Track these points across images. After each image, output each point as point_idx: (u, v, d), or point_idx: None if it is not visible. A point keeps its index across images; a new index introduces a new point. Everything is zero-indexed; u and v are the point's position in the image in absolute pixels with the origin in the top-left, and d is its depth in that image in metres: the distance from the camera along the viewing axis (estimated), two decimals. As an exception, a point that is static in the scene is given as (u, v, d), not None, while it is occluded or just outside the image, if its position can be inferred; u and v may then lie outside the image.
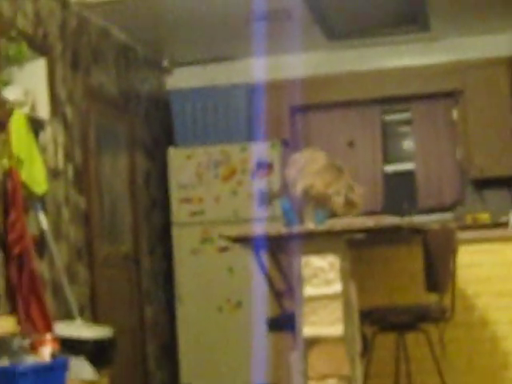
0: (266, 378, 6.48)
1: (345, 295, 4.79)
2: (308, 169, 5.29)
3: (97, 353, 6.05)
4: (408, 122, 9.24)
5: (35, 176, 6.19)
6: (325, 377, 4.77)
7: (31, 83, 6.53)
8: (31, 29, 6.49)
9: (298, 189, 5.24)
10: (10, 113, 5.98)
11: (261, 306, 7.06)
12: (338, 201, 5.19)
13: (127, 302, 7.88)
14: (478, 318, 5.98)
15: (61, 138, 6.87)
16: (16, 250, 5.84)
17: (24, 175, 6.02)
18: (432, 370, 5.60)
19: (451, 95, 9.00)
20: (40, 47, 6.62)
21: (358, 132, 9.18)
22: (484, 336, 5.97)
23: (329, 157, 5.44)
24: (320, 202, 5.18)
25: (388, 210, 8.67)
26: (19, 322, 5.46)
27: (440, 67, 8.90)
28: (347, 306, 4.79)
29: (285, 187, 5.27)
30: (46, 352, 5.22)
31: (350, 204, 5.18)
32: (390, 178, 9.21)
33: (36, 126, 6.44)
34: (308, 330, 4.80)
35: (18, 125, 6.04)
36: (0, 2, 6.03)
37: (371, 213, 7.83)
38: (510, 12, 7.86)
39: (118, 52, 8.14)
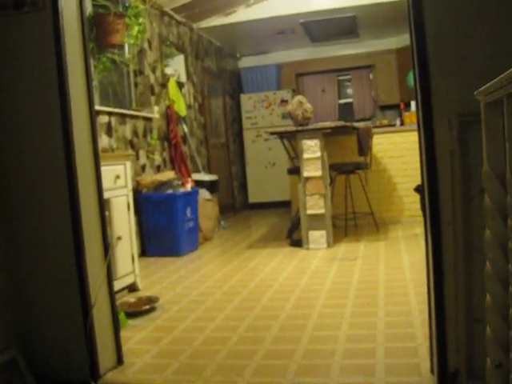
0: (288, 196, 6.42)
1: (322, 157, 4.65)
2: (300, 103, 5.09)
3: (211, 186, 6.01)
4: (350, 80, 8.84)
5: (180, 108, 6.04)
6: (313, 194, 4.68)
7: (178, 65, 6.33)
8: (176, 40, 6.23)
9: (298, 112, 5.06)
10: (168, 79, 5.81)
11: (284, 163, 6.96)
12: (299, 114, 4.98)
13: (223, 163, 7.78)
14: (382, 167, 5.83)
15: (191, 90, 6.67)
16: (173, 141, 5.75)
17: (175, 107, 5.90)
18: (361, 191, 5.51)
19: (369, 67, 8.55)
20: (181, 49, 6.37)
21: (326, 85, 8.81)
22: (385, 176, 5.82)
23: (307, 97, 5.24)
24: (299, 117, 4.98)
25: (340, 119, 8.44)
26: (176, 173, 5.42)
27: (364, 54, 8.42)
28: (323, 162, 4.66)
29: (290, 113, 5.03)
30: (189, 186, 5.18)
31: (305, 116, 4.96)
32: (341, 106, 8.87)
33: (180, 85, 6.24)
34: (306, 173, 4.68)
35: (171, 85, 5.87)
36: (160, 28, 5.79)
37: (333, 120, 7.64)
38: (397, 25, 7.37)
39: (215, 50, 7.79)
